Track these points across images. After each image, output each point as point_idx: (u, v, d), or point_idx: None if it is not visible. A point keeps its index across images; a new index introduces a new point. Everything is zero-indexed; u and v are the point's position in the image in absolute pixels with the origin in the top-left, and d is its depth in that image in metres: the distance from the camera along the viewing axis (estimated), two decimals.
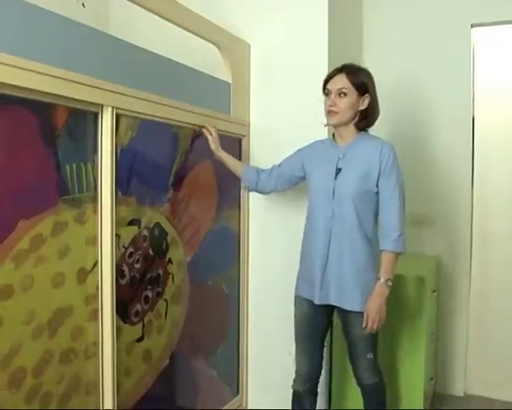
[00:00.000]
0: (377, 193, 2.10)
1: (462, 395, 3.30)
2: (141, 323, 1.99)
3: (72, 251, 1.67)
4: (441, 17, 3.21)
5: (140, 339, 1.99)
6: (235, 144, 2.62)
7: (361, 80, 2.11)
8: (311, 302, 2.17)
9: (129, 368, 1.93)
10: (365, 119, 2.16)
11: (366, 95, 2.12)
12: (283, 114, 2.66)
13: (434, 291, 2.97)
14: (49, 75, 1.49)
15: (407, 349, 2.65)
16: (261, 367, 2.77)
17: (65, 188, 1.64)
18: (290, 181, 2.35)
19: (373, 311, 2.04)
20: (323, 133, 2.38)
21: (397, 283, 2.64)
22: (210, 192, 2.42)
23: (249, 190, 2.56)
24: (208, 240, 2.41)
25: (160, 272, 2.08)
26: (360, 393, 2.26)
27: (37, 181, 1.55)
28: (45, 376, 1.58)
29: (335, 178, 2.11)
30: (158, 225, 2.07)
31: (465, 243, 3.25)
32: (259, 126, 2.72)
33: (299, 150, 2.34)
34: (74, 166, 1.67)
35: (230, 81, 2.55)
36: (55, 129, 1.59)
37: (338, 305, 2.12)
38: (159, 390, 2.11)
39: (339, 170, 2.12)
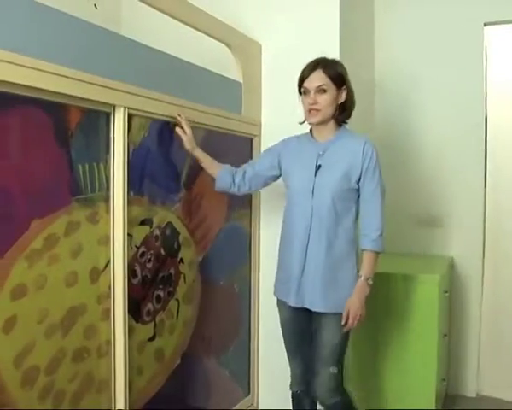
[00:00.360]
0: (357, 191, 2.06)
1: (474, 396, 3.28)
2: (153, 322, 2.00)
3: (85, 251, 1.68)
4: (454, 16, 3.19)
5: (152, 338, 2.00)
6: (247, 144, 2.62)
7: (338, 73, 2.06)
8: (288, 305, 2.13)
9: (141, 367, 1.94)
10: (344, 111, 2.11)
11: (343, 87, 2.07)
12: (294, 114, 2.66)
13: (447, 292, 2.95)
14: (61, 76, 1.50)
15: (419, 350, 2.63)
16: (272, 367, 2.76)
17: (78, 188, 1.65)
18: (266, 181, 2.28)
19: (353, 308, 2.00)
20: None
21: (409, 283, 2.65)
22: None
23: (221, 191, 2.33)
24: (220, 239, 2.41)
25: (172, 271, 2.09)
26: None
27: (50, 181, 1.56)
28: (58, 374, 1.59)
29: (315, 176, 2.06)
30: (170, 224, 2.08)
31: (478, 244, 3.24)
32: (271, 126, 2.72)
33: (272, 148, 2.28)
34: (87, 165, 1.68)
35: (241, 81, 2.55)
36: (68, 129, 1.60)
37: (310, 308, 2.07)
38: (170, 390, 2.11)
39: (318, 167, 2.07)
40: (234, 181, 2.21)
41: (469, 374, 3.29)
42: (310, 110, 2.06)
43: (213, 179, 2.22)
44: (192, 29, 2.20)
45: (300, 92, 2.11)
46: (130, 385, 1.85)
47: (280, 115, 2.70)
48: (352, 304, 2.00)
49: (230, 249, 2.54)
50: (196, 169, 2.22)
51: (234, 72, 2.53)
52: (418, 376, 2.64)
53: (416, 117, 3.32)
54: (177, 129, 2.06)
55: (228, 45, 2.45)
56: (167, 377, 2.09)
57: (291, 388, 2.27)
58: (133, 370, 1.88)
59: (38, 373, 1.53)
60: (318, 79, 2.03)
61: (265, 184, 2.31)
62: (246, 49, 2.58)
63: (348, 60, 2.77)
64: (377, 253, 2.07)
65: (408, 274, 2.68)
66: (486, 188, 3.23)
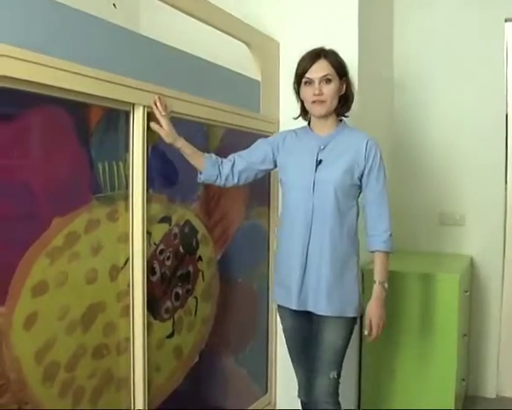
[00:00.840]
0: (359, 187, 2.01)
1: (494, 396, 3.25)
2: (171, 320, 2.01)
3: (105, 248, 1.70)
4: (474, 12, 3.16)
5: (170, 336, 2.01)
6: None
7: (340, 63, 1.99)
8: (290, 310, 2.05)
9: (159, 364, 1.95)
10: (346, 104, 2.05)
11: (344, 78, 2.00)
12: None
13: (467, 291, 2.93)
14: (82, 75, 1.52)
15: (439, 350, 2.61)
16: (290, 366, 2.74)
17: (98, 186, 1.66)
18: (257, 174, 2.14)
19: (375, 316, 1.96)
20: None
21: (429, 282, 2.63)
22: (240, 189, 2.42)
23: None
24: (238, 237, 2.41)
25: (191, 269, 2.09)
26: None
27: (71, 179, 1.58)
28: (78, 370, 1.61)
29: (316, 171, 1.97)
30: (188, 222, 2.08)
31: (498, 243, 3.20)
32: (288, 124, 2.70)
33: (267, 140, 2.16)
34: (107, 164, 1.69)
35: (260, 79, 2.55)
36: (89, 128, 1.62)
37: (314, 311, 1.99)
38: (188, 387, 2.12)
39: (319, 162, 1.98)
40: (220, 173, 2.03)
41: (489, 375, 3.26)
42: (314, 101, 1.97)
43: (197, 171, 2.03)
44: (210, 27, 2.20)
45: (299, 85, 2.03)
46: (148, 382, 1.86)
47: (297, 113, 2.69)
48: (374, 313, 1.96)
49: (249, 247, 2.54)
50: None
51: (252, 70, 2.53)
52: (437, 376, 2.62)
53: (436, 114, 3.29)
54: (153, 125, 1.83)
55: (246, 44, 2.45)
56: (185, 375, 2.10)
57: (299, 396, 2.19)
58: (152, 367, 1.89)
59: (59, 369, 1.54)
60: (323, 68, 1.95)
61: (255, 178, 2.15)
62: (264, 47, 2.57)
63: (367, 57, 2.76)
64: (388, 254, 2.01)
65: (428, 273, 2.66)
66: (507, 186, 3.19)
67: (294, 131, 2.15)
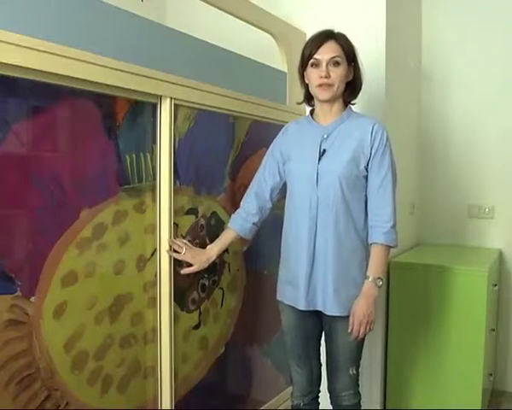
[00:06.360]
0: (367, 178, 1.85)
1: None
2: (197, 311, 2.02)
3: (132, 239, 1.71)
4: (503, 3, 3.10)
5: (196, 326, 2.02)
6: None
7: (351, 47, 1.86)
8: (295, 309, 1.94)
9: (185, 355, 1.97)
10: (353, 92, 1.92)
11: (353, 64, 1.87)
12: None
13: (495, 285, 2.89)
14: (109, 68, 1.53)
15: (466, 344, 2.59)
16: None
17: (125, 178, 1.68)
18: (284, 185, 2.03)
19: (359, 314, 1.78)
20: None
21: (457, 275, 2.60)
22: None
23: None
24: (264, 229, 2.41)
25: (217, 260, 2.10)
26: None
27: (99, 171, 1.59)
28: (106, 360, 1.63)
29: (319, 162, 1.85)
30: (215, 214, 2.09)
31: None
32: None
33: (273, 149, 2.04)
34: (134, 156, 1.71)
35: (286, 71, 2.53)
36: (116, 120, 1.63)
37: (323, 311, 1.88)
38: (214, 378, 2.14)
39: (323, 152, 1.85)
40: (255, 220, 2.02)
41: None
42: (320, 85, 1.84)
43: (241, 237, 2.06)
44: (236, 19, 2.19)
45: (303, 68, 1.90)
46: (175, 372, 1.88)
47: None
48: (358, 309, 1.80)
49: (274, 239, 2.53)
50: (241, 159, 2.22)
51: (278, 61, 2.52)
52: (464, 370, 2.59)
53: (464, 106, 3.24)
54: (183, 271, 1.89)
55: (272, 35, 2.44)
56: (211, 365, 2.12)
57: (293, 400, 2.09)
58: (178, 357, 1.91)
59: (87, 358, 1.57)
60: (332, 49, 1.82)
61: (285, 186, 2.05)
62: (290, 38, 2.55)
63: (395, 48, 2.73)
64: (389, 247, 1.85)
65: (456, 267, 2.63)
66: None
67: (296, 121, 2.06)
